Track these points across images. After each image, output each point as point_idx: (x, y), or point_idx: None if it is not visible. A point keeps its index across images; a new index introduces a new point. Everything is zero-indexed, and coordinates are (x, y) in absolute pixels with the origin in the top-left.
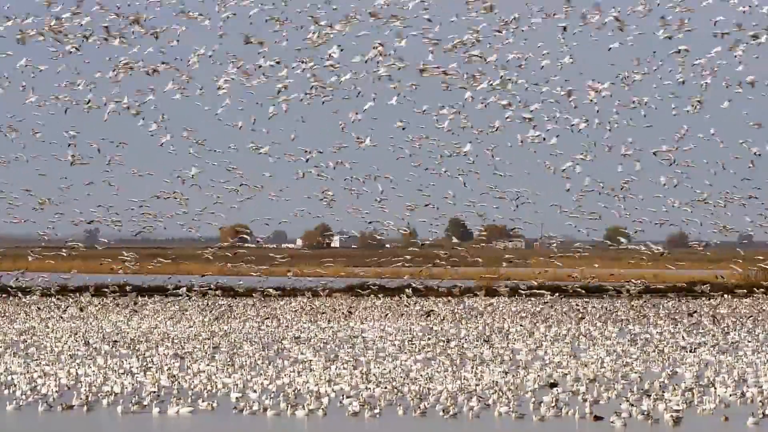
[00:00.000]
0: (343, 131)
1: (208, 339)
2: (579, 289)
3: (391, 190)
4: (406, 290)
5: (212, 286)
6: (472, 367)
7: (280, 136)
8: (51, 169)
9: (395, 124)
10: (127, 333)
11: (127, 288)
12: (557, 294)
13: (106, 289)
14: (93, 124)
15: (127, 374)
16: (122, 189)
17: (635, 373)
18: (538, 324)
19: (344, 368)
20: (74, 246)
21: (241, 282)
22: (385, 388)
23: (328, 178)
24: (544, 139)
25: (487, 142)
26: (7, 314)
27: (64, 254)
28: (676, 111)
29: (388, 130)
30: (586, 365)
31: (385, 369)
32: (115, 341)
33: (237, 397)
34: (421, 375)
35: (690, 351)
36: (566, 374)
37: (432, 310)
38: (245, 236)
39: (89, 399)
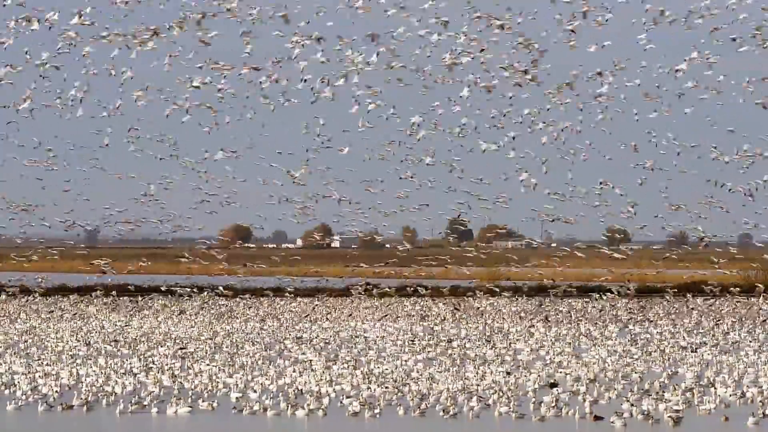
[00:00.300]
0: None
1: (210, 339)
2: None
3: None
4: (397, 291)
5: (194, 288)
6: (474, 367)
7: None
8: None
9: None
10: (129, 333)
11: (114, 292)
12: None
13: (98, 290)
14: (71, 128)
15: (128, 374)
16: (98, 190)
17: (635, 373)
18: (536, 324)
19: (345, 368)
20: (44, 247)
21: (229, 283)
22: (386, 388)
23: (302, 183)
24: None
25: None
26: (8, 314)
27: (34, 257)
28: (638, 116)
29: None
30: (586, 365)
31: (386, 369)
32: (116, 341)
33: (237, 397)
34: (422, 375)
35: (693, 351)
36: (567, 374)
37: (427, 315)
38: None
39: (89, 399)
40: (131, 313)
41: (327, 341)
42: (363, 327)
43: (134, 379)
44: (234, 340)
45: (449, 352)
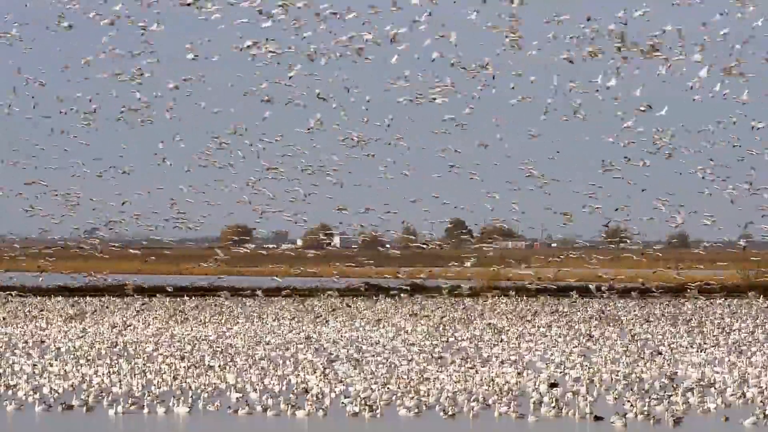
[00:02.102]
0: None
1: (215, 340)
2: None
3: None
4: (401, 291)
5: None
6: (474, 368)
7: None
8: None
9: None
10: (133, 333)
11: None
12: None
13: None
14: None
15: (129, 375)
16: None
17: (635, 373)
18: (536, 324)
19: (348, 368)
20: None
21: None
22: (387, 388)
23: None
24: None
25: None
26: (11, 313)
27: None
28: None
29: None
30: (586, 365)
31: (388, 369)
32: (123, 343)
33: (237, 398)
34: (424, 375)
35: (700, 351)
36: (566, 374)
37: (423, 315)
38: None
39: (89, 399)
40: (134, 314)
41: (331, 341)
42: (365, 327)
43: (136, 379)
44: (235, 341)
45: (450, 352)
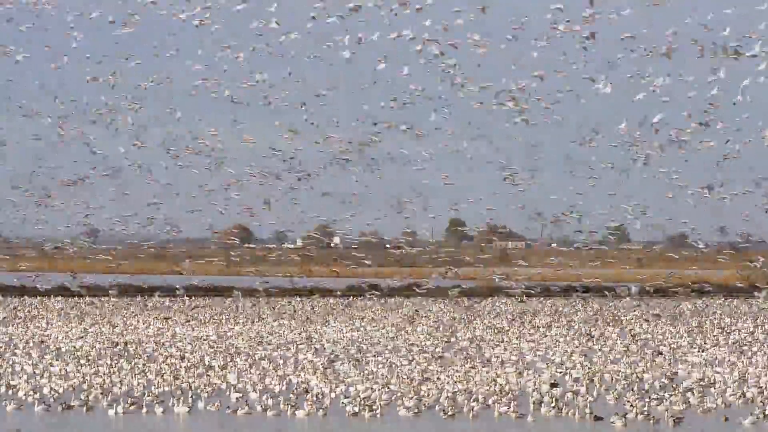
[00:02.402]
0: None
1: (216, 340)
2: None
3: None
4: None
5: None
6: (474, 368)
7: None
8: None
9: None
10: (135, 333)
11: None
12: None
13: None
14: None
15: (130, 375)
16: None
17: (636, 373)
18: (537, 325)
19: (348, 368)
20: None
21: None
22: (387, 388)
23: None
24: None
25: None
26: (14, 313)
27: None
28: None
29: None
30: (586, 365)
31: (389, 369)
32: (124, 343)
33: (237, 398)
34: (424, 375)
35: (701, 350)
36: (566, 374)
37: (415, 315)
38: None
39: (89, 399)
40: (134, 313)
41: (331, 341)
42: (366, 327)
43: (136, 379)
44: (235, 341)
45: (450, 352)
